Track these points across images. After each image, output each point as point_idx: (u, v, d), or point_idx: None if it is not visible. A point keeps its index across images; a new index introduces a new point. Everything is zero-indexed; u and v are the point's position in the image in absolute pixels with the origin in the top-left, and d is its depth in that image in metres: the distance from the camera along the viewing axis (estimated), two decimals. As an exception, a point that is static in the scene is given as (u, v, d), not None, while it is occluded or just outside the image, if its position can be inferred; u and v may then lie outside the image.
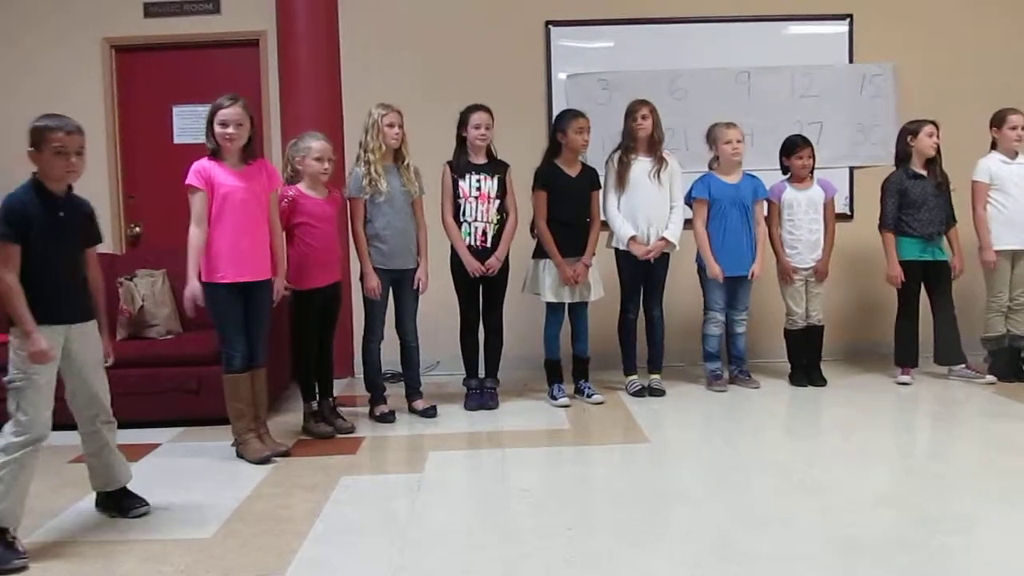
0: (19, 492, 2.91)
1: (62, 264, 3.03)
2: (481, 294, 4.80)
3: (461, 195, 4.68)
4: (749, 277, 5.06)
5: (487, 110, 4.67)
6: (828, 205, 5.14)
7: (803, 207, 5.09)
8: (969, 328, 5.24)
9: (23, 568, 2.83)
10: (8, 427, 2.93)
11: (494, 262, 4.67)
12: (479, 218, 4.69)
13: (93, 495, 3.32)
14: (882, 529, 2.96)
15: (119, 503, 3.29)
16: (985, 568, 2.63)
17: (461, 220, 4.69)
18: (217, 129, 3.78)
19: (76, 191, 3.11)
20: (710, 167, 5.10)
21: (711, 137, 5.07)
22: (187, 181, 3.78)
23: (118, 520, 3.23)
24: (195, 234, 3.77)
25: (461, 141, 4.72)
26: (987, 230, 5.07)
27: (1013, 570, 2.61)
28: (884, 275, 5.15)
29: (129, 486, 3.33)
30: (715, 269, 4.98)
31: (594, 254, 4.81)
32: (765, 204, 5.13)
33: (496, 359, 4.89)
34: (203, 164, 3.82)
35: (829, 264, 5.14)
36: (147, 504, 3.32)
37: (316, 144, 4.25)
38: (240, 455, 3.95)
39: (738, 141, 4.98)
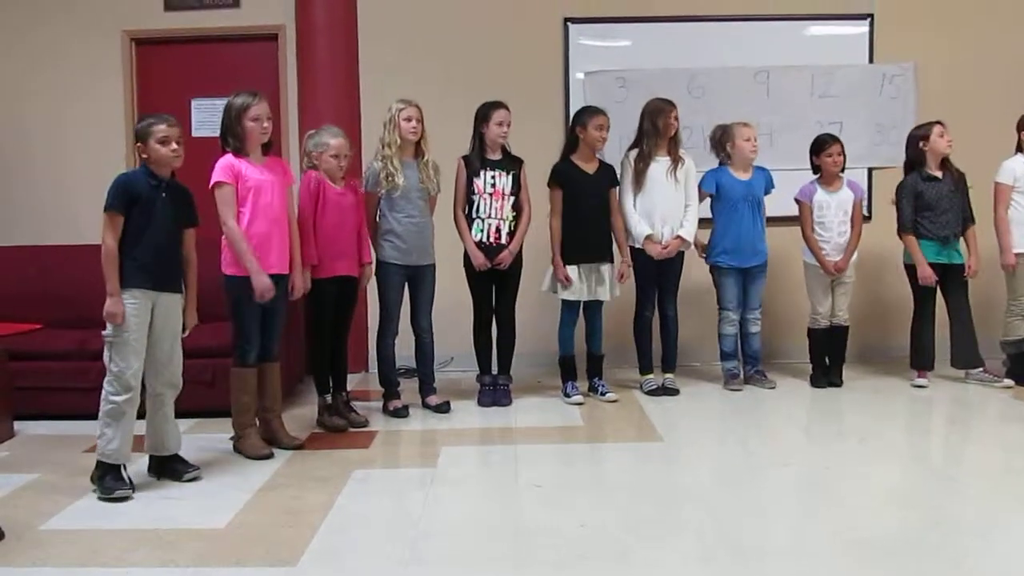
0: (124, 434, 3.34)
1: (159, 238, 3.41)
2: (494, 290, 4.80)
3: (476, 191, 4.67)
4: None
5: (508, 108, 4.66)
6: (856, 206, 5.13)
7: (833, 209, 5.08)
8: (987, 331, 5.19)
9: (128, 498, 3.30)
10: (106, 380, 3.34)
11: (506, 255, 4.66)
12: (493, 215, 4.68)
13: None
14: (896, 530, 2.93)
15: (172, 468, 3.56)
16: (1000, 571, 2.60)
17: (475, 216, 4.68)
18: (250, 124, 3.79)
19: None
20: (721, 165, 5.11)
21: (726, 136, 5.04)
22: (217, 179, 3.76)
23: (132, 507, 3.24)
24: (237, 228, 3.77)
25: (479, 137, 4.71)
26: (1008, 233, 5.03)
27: (1030, 574, 2.59)
28: (901, 278, 5.13)
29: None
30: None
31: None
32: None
33: (509, 355, 4.87)
34: (230, 160, 3.81)
35: (848, 263, 5.10)
36: (198, 469, 3.58)
37: (334, 141, 4.25)
38: (238, 450, 3.93)
39: (756, 139, 5.00)
